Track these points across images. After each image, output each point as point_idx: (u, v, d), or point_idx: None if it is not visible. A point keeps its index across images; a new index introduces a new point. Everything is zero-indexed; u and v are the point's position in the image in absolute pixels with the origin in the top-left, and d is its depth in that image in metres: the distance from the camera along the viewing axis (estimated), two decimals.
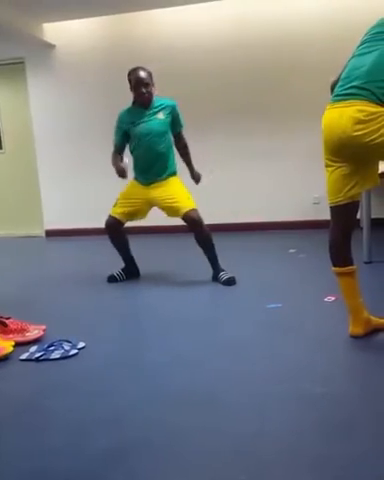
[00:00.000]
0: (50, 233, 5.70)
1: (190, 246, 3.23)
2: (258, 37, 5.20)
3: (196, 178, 3.30)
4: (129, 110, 3.24)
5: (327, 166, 1.99)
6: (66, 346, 2.14)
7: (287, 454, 1.31)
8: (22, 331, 2.24)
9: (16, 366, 2.03)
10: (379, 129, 1.78)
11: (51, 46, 5.73)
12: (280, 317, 2.43)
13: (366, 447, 1.32)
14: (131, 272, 3.38)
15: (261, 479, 1.22)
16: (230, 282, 3.02)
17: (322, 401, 1.57)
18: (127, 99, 5.72)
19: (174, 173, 3.21)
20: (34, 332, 2.26)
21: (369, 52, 1.85)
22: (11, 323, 2.26)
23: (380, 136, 1.78)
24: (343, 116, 1.83)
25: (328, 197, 2.03)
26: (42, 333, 2.28)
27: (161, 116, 3.12)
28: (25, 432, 1.51)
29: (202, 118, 5.10)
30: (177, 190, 3.14)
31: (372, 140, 1.79)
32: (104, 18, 5.61)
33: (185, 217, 3.07)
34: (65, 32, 5.74)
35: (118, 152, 3.23)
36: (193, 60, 5.17)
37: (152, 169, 3.15)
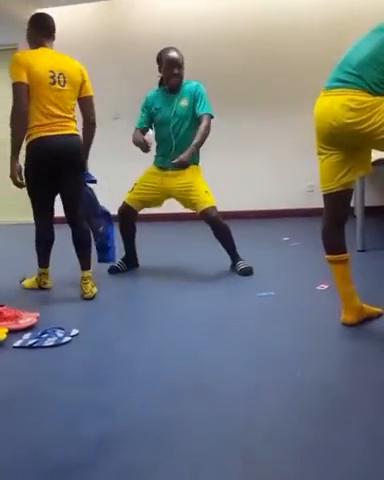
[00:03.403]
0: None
1: (190, 233, 3.21)
2: (252, 25, 5.16)
3: (179, 158, 2.96)
4: (157, 93, 3.13)
5: (319, 154, 1.99)
6: (59, 333, 2.14)
7: (277, 442, 1.32)
8: (15, 318, 2.24)
9: (9, 353, 2.03)
10: (370, 118, 1.79)
11: None
12: (272, 305, 2.44)
13: (356, 435, 1.32)
14: (131, 262, 3.35)
15: (252, 466, 1.23)
16: (246, 272, 2.99)
17: (313, 389, 1.58)
18: (121, 84, 5.68)
19: (195, 163, 3.12)
20: (27, 319, 2.26)
21: (365, 43, 1.86)
22: (4, 310, 2.26)
23: (370, 125, 1.79)
24: (334, 104, 1.83)
25: (321, 185, 2.04)
26: (35, 320, 2.28)
27: (185, 103, 3.02)
28: (18, 419, 1.52)
29: None
30: (196, 182, 3.06)
31: (363, 129, 1.80)
32: (98, 4, 5.54)
33: (203, 215, 3.02)
34: (58, 18, 5.60)
35: (141, 132, 3.11)
36: (187, 46, 5.09)
37: (174, 155, 3.03)
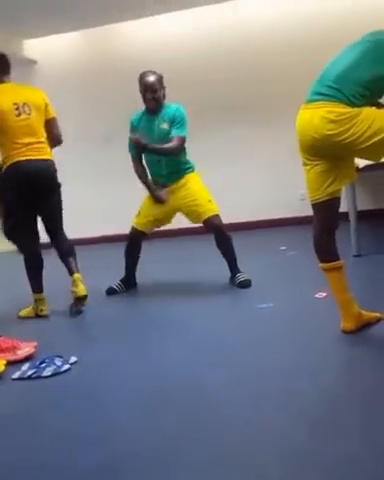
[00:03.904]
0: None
1: (186, 248, 3.21)
2: (240, 41, 5.23)
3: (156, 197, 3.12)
4: (140, 115, 3.19)
5: (304, 164, 2.02)
6: (58, 362, 2.12)
7: (279, 451, 1.31)
8: (13, 349, 2.23)
9: (8, 385, 2.02)
10: (349, 129, 1.82)
11: (32, 62, 5.76)
12: (272, 316, 2.42)
13: (356, 444, 1.31)
14: (129, 284, 3.34)
15: (253, 476, 1.22)
16: (245, 284, 2.99)
17: (314, 398, 1.57)
18: (110, 112, 5.74)
19: (191, 170, 3.15)
20: (25, 350, 2.24)
21: (344, 57, 1.91)
22: (2, 342, 2.25)
23: (350, 136, 1.82)
24: (315, 117, 1.87)
25: (308, 195, 2.06)
26: (33, 350, 2.26)
27: (165, 126, 3.06)
28: (17, 450, 1.51)
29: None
30: (199, 192, 3.10)
31: (344, 139, 1.84)
32: (83, 32, 5.64)
33: (206, 223, 3.05)
34: (46, 47, 5.77)
35: (137, 160, 3.17)
36: (174, 67, 5.17)
37: (163, 174, 3.11)
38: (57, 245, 3.01)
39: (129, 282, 3.33)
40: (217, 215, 3.06)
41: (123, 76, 5.44)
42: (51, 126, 2.98)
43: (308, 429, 1.41)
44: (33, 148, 2.83)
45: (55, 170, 2.97)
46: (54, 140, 3.01)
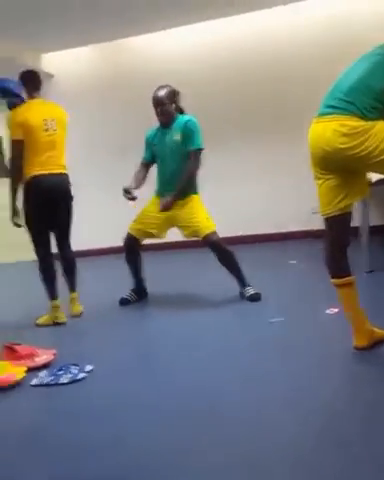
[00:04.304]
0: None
1: (196, 261, 3.22)
2: (253, 55, 5.32)
3: (162, 204, 3.15)
4: (154, 131, 3.28)
5: (316, 178, 2.02)
6: (74, 370, 2.18)
7: (283, 461, 1.34)
8: (32, 356, 2.29)
9: (26, 392, 2.08)
10: (363, 143, 1.82)
11: (50, 76, 5.89)
12: (282, 331, 2.45)
13: (358, 456, 1.33)
14: (140, 293, 3.39)
15: None
16: (254, 298, 3.02)
17: (326, 417, 1.58)
18: (124, 125, 5.85)
19: (194, 192, 3.22)
20: (43, 357, 2.31)
21: (355, 69, 1.91)
22: (21, 349, 2.31)
23: (364, 149, 1.82)
24: (327, 130, 1.87)
25: (320, 209, 2.06)
26: (52, 357, 2.33)
27: (178, 137, 3.11)
28: (30, 458, 1.55)
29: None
30: (197, 211, 3.16)
31: (357, 153, 1.83)
32: (100, 45, 5.77)
33: (205, 240, 3.11)
34: (63, 61, 5.91)
35: (145, 165, 3.30)
36: (187, 81, 5.28)
37: (170, 186, 3.16)
38: (62, 257, 3.22)
39: (139, 291, 3.39)
40: (215, 232, 3.12)
41: (137, 89, 5.56)
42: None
43: (312, 441, 1.43)
44: (51, 162, 3.02)
45: (69, 183, 3.15)
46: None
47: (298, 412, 1.63)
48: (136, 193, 3.16)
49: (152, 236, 3.30)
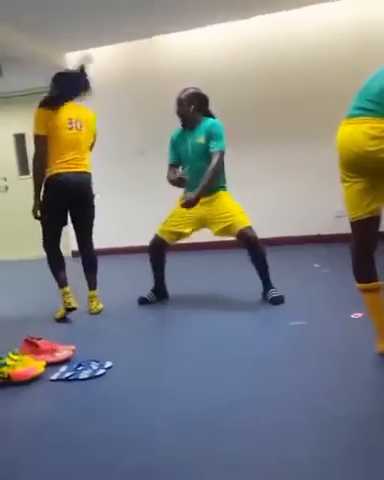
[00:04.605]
0: (76, 253, 5.84)
1: (218, 262, 3.21)
2: (275, 56, 5.29)
3: (186, 199, 3.09)
4: (178, 132, 3.28)
5: (343, 181, 1.99)
6: (94, 366, 2.18)
7: (310, 476, 1.31)
8: (52, 351, 2.30)
9: (46, 386, 2.08)
10: None
11: None
12: (305, 335, 2.42)
13: None
14: (160, 294, 3.38)
15: None
16: (277, 301, 2.99)
17: (347, 425, 1.54)
18: (149, 124, 5.88)
19: (224, 188, 3.19)
20: (64, 352, 2.31)
21: None
22: (42, 344, 2.32)
23: None
24: (356, 132, 1.85)
25: (347, 212, 2.03)
26: (71, 353, 2.33)
27: (201, 140, 3.12)
28: (52, 452, 1.54)
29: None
30: (228, 206, 3.12)
31: None
32: (123, 44, 5.81)
33: (240, 235, 3.03)
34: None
35: (172, 167, 3.27)
36: (213, 81, 5.28)
37: (193, 186, 3.11)
38: (83, 256, 3.25)
39: (159, 292, 3.37)
40: (250, 227, 3.05)
41: (159, 89, 5.58)
42: (91, 147, 3.26)
43: (338, 457, 1.38)
44: (74, 161, 3.05)
45: (91, 182, 3.17)
46: None
47: (321, 420, 1.59)
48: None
49: (183, 236, 3.26)
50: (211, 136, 3.09)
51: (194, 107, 3.14)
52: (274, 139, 5.33)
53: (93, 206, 3.19)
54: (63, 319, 3.07)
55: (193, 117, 3.16)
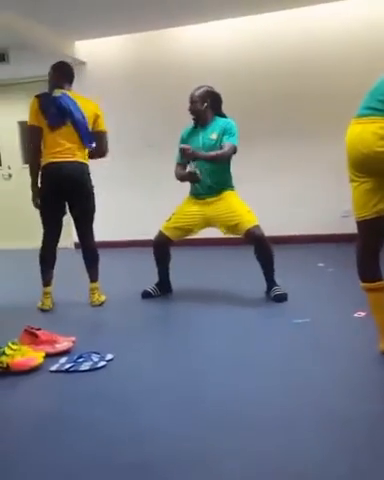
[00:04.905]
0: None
1: (223, 258, 3.19)
2: (283, 50, 5.24)
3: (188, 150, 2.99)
4: (189, 128, 3.26)
5: (352, 181, 1.98)
6: (95, 358, 2.17)
7: (314, 475, 1.30)
8: (52, 342, 2.29)
9: (46, 377, 2.07)
10: None
11: (82, 63, 5.89)
12: (308, 332, 2.41)
13: None
14: (164, 288, 3.36)
15: None
16: (281, 298, 2.98)
17: (349, 421, 1.54)
18: (156, 115, 5.84)
19: (231, 188, 3.17)
20: (64, 344, 2.30)
21: None
22: (42, 334, 2.31)
23: None
24: (365, 132, 1.84)
25: (354, 212, 2.01)
26: (72, 345, 2.32)
27: (214, 137, 3.10)
28: (51, 444, 1.53)
29: None
30: (235, 205, 3.10)
31: None
32: (132, 35, 5.74)
33: (247, 234, 3.02)
34: (96, 49, 5.90)
35: (181, 166, 3.23)
36: (219, 76, 5.24)
37: (205, 185, 3.11)
38: (83, 249, 3.19)
39: (163, 287, 3.36)
40: (258, 226, 3.04)
41: (168, 82, 5.53)
42: (98, 139, 3.12)
43: (341, 453, 1.38)
44: (68, 151, 2.98)
45: (86, 173, 3.08)
46: (98, 152, 3.17)
47: (321, 415, 1.58)
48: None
49: (188, 234, 3.24)
50: (225, 132, 3.08)
51: (207, 105, 3.13)
52: (283, 137, 5.28)
53: (91, 197, 3.12)
54: (44, 310, 3.08)
55: (205, 115, 3.15)
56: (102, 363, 2.13)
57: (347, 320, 2.53)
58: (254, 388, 1.83)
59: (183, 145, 3.05)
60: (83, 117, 3.01)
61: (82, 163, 3.06)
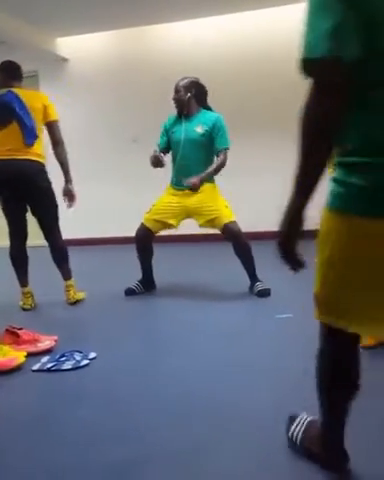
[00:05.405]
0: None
1: (206, 254, 3.20)
2: (268, 45, 5.25)
3: (191, 181, 3.03)
4: (173, 117, 3.24)
5: None
6: (77, 356, 2.15)
7: (300, 465, 1.31)
8: (34, 342, 2.26)
9: (28, 376, 2.05)
10: None
11: (64, 60, 5.84)
12: (290, 327, 2.42)
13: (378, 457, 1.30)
14: (148, 285, 3.35)
15: None
16: (264, 293, 3.00)
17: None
18: (137, 111, 5.80)
19: (211, 180, 3.16)
20: (46, 343, 2.27)
21: None
22: (23, 334, 2.28)
23: None
24: None
25: None
26: (54, 344, 2.29)
27: (199, 130, 3.09)
28: (35, 444, 1.52)
29: None
30: (215, 199, 3.11)
31: None
32: (116, 32, 5.71)
33: (224, 230, 3.05)
34: (78, 46, 5.85)
35: (161, 150, 3.21)
36: (202, 72, 5.23)
37: (186, 174, 3.09)
38: (50, 248, 3.10)
39: (147, 283, 3.35)
40: (235, 222, 3.06)
41: (152, 78, 5.51)
42: (50, 129, 3.04)
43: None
44: (17, 149, 2.90)
45: (38, 171, 2.98)
46: (53, 143, 3.06)
47: (309, 411, 1.58)
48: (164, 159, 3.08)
49: (168, 227, 3.23)
50: (217, 132, 3.08)
51: (191, 95, 3.12)
52: (268, 134, 5.29)
53: (48, 195, 3.01)
54: (26, 309, 3.05)
55: (189, 105, 3.14)
56: (85, 362, 2.11)
57: None
58: (239, 385, 1.83)
59: (189, 182, 3.01)
60: (27, 114, 2.91)
61: (34, 161, 2.95)
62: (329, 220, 1.05)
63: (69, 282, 3.13)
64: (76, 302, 3.11)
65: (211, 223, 3.11)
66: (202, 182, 3.03)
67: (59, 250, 3.10)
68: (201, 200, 3.10)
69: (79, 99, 5.86)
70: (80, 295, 3.16)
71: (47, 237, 3.09)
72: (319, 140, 0.94)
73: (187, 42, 5.48)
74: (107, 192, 5.71)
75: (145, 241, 3.22)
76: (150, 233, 3.20)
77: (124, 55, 5.74)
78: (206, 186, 3.12)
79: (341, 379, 1.18)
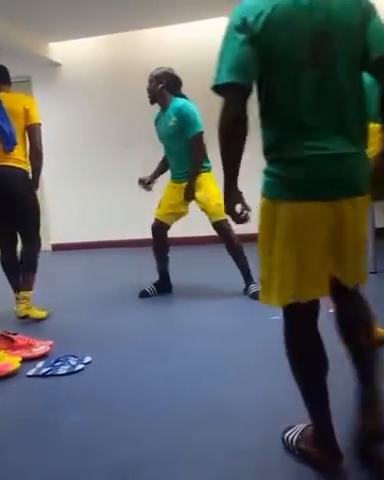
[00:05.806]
0: (57, 247, 5.77)
1: (202, 256, 3.19)
2: None
3: (186, 193, 3.10)
4: (157, 111, 3.26)
5: None
6: (72, 361, 2.16)
7: (296, 465, 1.32)
8: (29, 347, 2.26)
9: (23, 382, 2.05)
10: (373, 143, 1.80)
11: (57, 64, 5.84)
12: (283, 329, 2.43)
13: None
14: (163, 287, 3.33)
15: None
16: (257, 296, 2.99)
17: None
18: (131, 115, 5.80)
19: (207, 169, 3.12)
20: (41, 348, 2.28)
21: None
22: (18, 339, 2.28)
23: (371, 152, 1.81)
24: None
25: None
26: (49, 349, 2.30)
27: (171, 123, 3.07)
28: (31, 448, 1.53)
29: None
30: (210, 194, 3.07)
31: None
32: (108, 36, 5.71)
33: (214, 227, 3.11)
34: (71, 51, 5.86)
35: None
36: (194, 76, 5.25)
37: (177, 169, 3.15)
38: (21, 254, 3.02)
39: (163, 285, 3.33)
40: (225, 220, 2.99)
41: (145, 82, 5.49)
42: (29, 132, 2.94)
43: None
44: None
45: (20, 179, 2.91)
46: (29, 147, 2.96)
47: (298, 411, 1.59)
48: (152, 184, 3.18)
49: (180, 216, 3.25)
50: (183, 120, 3.02)
51: (163, 85, 3.08)
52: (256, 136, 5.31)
53: (29, 204, 2.93)
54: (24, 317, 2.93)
55: (162, 96, 3.11)
56: (80, 366, 2.12)
57: (322, 315, 2.54)
58: (234, 386, 1.84)
59: (186, 194, 3.08)
60: (6, 119, 2.83)
61: (14, 167, 2.87)
62: (265, 206, 1.35)
63: (26, 294, 2.90)
64: (25, 317, 2.89)
65: (209, 216, 3.14)
66: (192, 189, 3.06)
67: (26, 258, 2.97)
68: (198, 194, 3.11)
69: (72, 103, 5.85)
70: (40, 313, 2.95)
71: (23, 243, 3.00)
72: (230, 138, 1.28)
73: (179, 46, 5.49)
74: (98, 197, 5.70)
75: (161, 235, 3.24)
76: (165, 225, 3.24)
77: (117, 59, 5.75)
78: (204, 175, 3.11)
79: (308, 350, 1.41)
